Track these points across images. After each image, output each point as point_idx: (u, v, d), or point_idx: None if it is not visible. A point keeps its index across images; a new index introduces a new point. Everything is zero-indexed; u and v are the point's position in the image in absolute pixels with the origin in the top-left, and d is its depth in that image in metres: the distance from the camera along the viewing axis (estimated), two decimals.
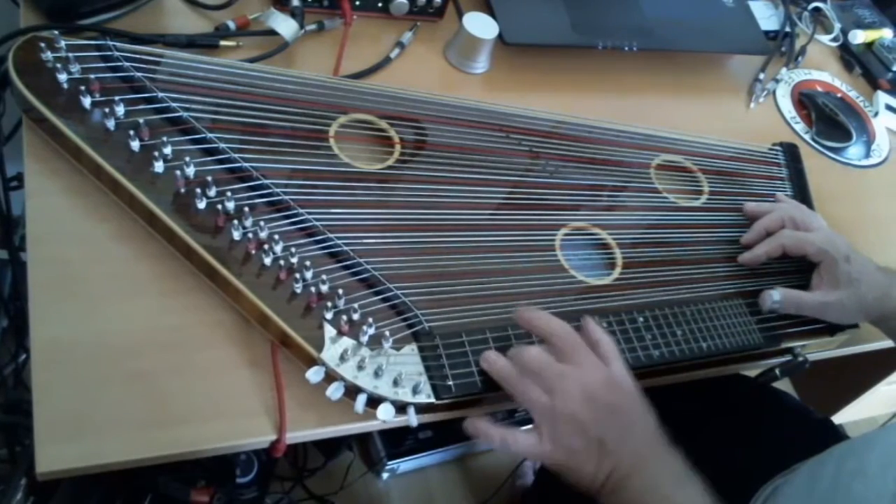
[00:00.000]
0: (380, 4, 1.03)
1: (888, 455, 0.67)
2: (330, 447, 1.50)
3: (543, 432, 0.68)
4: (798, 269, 0.95)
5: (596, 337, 0.73)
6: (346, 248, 0.75)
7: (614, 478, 0.68)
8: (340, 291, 0.71)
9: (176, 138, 0.76)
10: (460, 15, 1.05)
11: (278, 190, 0.76)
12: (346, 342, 0.69)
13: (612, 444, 0.68)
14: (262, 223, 0.72)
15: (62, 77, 0.74)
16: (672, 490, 0.68)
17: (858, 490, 0.66)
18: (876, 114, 1.33)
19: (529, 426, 0.69)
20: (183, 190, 0.72)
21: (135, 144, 0.73)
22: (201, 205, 0.72)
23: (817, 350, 0.96)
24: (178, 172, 0.72)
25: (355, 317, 0.70)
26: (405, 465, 1.58)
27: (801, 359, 0.93)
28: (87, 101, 0.74)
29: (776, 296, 0.89)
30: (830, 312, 0.90)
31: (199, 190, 0.72)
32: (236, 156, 0.76)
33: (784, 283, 0.92)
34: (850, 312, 0.90)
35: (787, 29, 1.36)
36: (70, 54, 0.75)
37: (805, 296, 0.90)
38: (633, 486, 0.68)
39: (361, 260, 0.75)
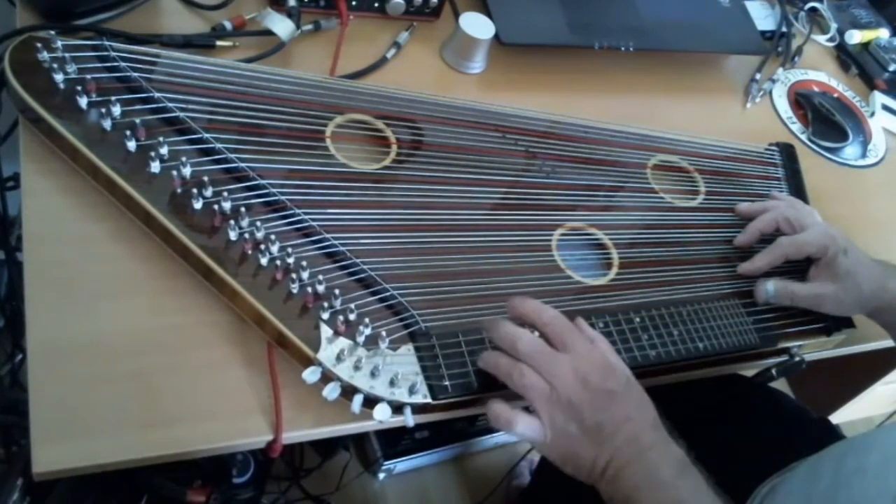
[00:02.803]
0: (376, 4, 1.03)
1: (888, 454, 0.67)
2: (326, 447, 1.50)
3: (542, 419, 0.68)
4: (794, 267, 0.95)
5: (587, 332, 0.73)
6: (342, 248, 0.75)
7: (613, 465, 0.68)
8: (337, 291, 0.71)
9: (172, 138, 0.76)
10: (457, 15, 1.05)
11: (275, 190, 0.76)
12: (343, 342, 0.69)
13: (609, 429, 0.68)
14: (258, 223, 0.72)
15: (58, 77, 0.74)
16: (672, 478, 0.68)
17: (859, 489, 0.66)
18: (872, 114, 1.33)
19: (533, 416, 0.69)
20: (179, 190, 0.72)
21: (131, 144, 0.73)
22: (198, 205, 0.72)
23: (814, 350, 0.96)
24: (174, 172, 0.72)
25: (352, 317, 0.70)
26: (402, 465, 1.58)
27: (797, 359, 0.94)
28: (83, 102, 0.74)
29: (771, 289, 0.89)
30: (826, 304, 0.90)
31: (195, 190, 0.72)
32: (233, 156, 0.76)
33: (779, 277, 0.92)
34: (846, 305, 0.90)
35: (784, 29, 1.36)
36: (66, 54, 0.75)
37: (799, 287, 0.90)
38: (632, 474, 0.68)
39: (358, 260, 0.75)
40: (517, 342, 0.69)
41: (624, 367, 0.71)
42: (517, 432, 0.69)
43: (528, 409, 0.69)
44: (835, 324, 0.94)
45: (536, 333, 0.71)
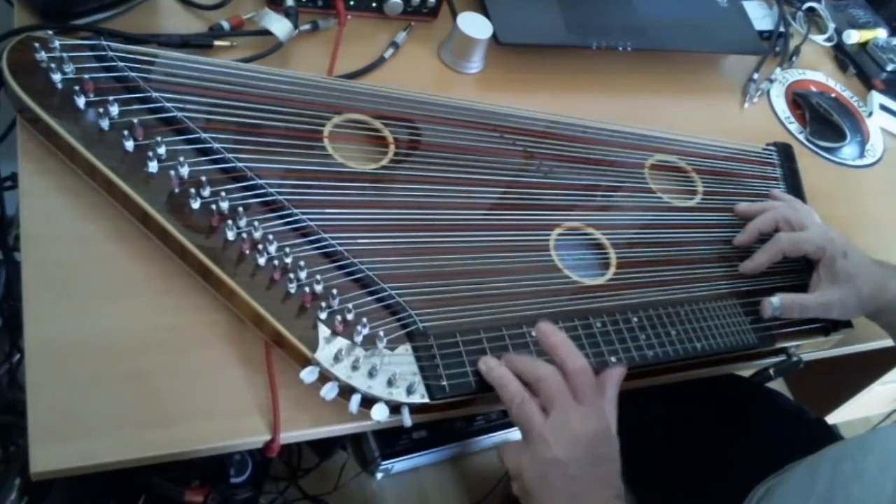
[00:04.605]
0: (374, 4, 1.04)
1: (886, 458, 0.67)
2: (324, 447, 1.50)
3: (528, 450, 0.67)
4: (791, 268, 0.95)
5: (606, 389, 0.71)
6: (340, 248, 0.75)
7: None
8: (335, 291, 0.71)
9: (170, 138, 0.76)
10: (454, 15, 1.05)
11: (272, 190, 0.76)
12: (341, 342, 0.69)
13: (585, 491, 0.66)
14: (256, 223, 0.72)
15: (56, 77, 0.74)
16: None
17: (856, 493, 0.66)
18: (870, 114, 1.33)
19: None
20: (177, 190, 0.72)
21: (129, 144, 0.73)
22: (195, 205, 0.72)
23: (811, 350, 0.96)
24: (172, 172, 0.72)
25: (349, 317, 0.70)
26: (399, 465, 1.58)
27: (795, 359, 0.94)
28: (81, 101, 0.74)
29: (776, 302, 0.89)
30: (833, 311, 0.90)
31: (193, 190, 0.72)
32: (230, 156, 0.76)
33: (779, 282, 0.93)
34: (849, 308, 0.90)
35: (782, 29, 1.36)
36: (64, 54, 0.75)
37: (807, 298, 0.90)
38: None
39: (356, 260, 0.75)
40: (545, 376, 0.68)
41: (616, 442, 0.70)
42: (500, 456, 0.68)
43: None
44: (832, 324, 0.94)
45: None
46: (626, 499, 0.69)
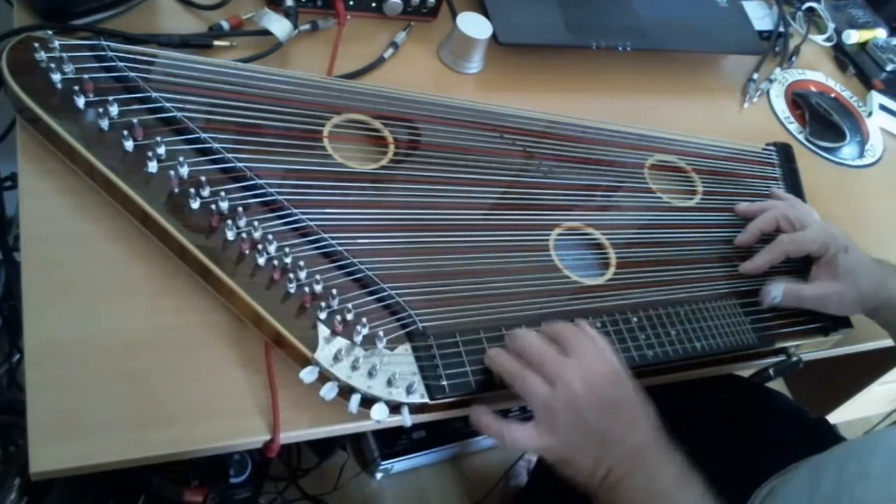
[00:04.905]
0: (373, 4, 1.04)
1: (891, 458, 0.67)
2: (324, 447, 1.50)
3: (544, 424, 0.68)
4: (792, 268, 0.95)
5: (591, 334, 0.73)
6: (339, 248, 0.75)
7: (613, 475, 0.68)
8: (334, 291, 0.71)
9: (170, 138, 0.76)
10: (454, 15, 1.05)
11: (272, 190, 0.76)
12: (340, 342, 0.69)
13: (612, 439, 0.68)
14: (255, 223, 0.72)
15: (56, 77, 0.74)
16: (671, 489, 0.68)
17: (862, 494, 0.66)
18: (870, 114, 1.33)
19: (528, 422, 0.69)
20: (177, 190, 0.72)
21: (129, 144, 0.73)
22: (195, 205, 0.72)
23: (811, 350, 0.96)
24: (171, 172, 0.72)
25: (349, 317, 0.70)
26: (399, 465, 1.58)
27: (794, 359, 0.94)
28: (80, 101, 0.73)
29: (778, 292, 0.89)
30: (830, 305, 0.90)
31: (192, 190, 0.72)
32: (230, 156, 0.76)
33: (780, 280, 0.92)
34: (847, 304, 0.90)
35: (781, 29, 1.36)
36: (64, 54, 0.75)
37: (805, 289, 0.90)
38: (631, 485, 0.68)
39: (355, 260, 0.75)
40: (526, 344, 0.70)
41: (628, 376, 0.71)
42: (508, 442, 0.69)
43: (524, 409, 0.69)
44: (832, 323, 0.94)
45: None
46: None
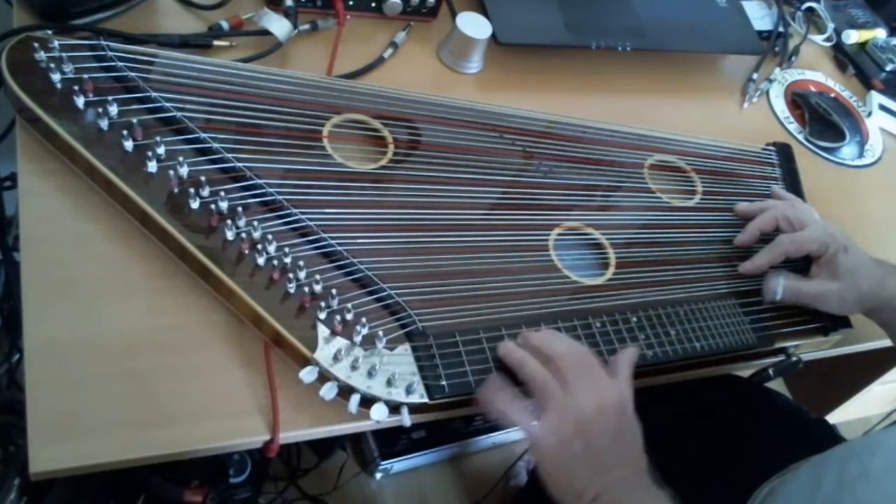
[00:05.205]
0: (373, 4, 1.04)
1: (892, 459, 0.67)
2: (323, 447, 1.50)
3: (549, 421, 0.68)
4: (792, 267, 0.95)
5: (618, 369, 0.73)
6: (339, 247, 0.75)
7: (601, 500, 0.66)
8: (334, 291, 0.71)
9: (169, 138, 0.76)
10: (454, 15, 1.05)
11: (272, 190, 0.76)
12: (340, 342, 0.69)
13: (609, 462, 0.67)
14: (255, 223, 0.72)
15: (55, 77, 0.74)
16: None
17: (863, 494, 0.66)
18: (869, 114, 1.33)
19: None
20: (176, 190, 0.72)
21: (128, 144, 0.73)
22: (195, 205, 0.72)
23: (811, 350, 0.96)
24: (171, 172, 0.72)
25: (349, 317, 0.70)
26: (398, 465, 1.58)
27: (794, 359, 0.94)
28: (80, 101, 0.73)
29: (779, 288, 0.89)
30: (829, 303, 0.90)
31: (192, 190, 0.72)
32: (230, 156, 0.76)
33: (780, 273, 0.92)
34: (847, 303, 0.90)
35: (781, 29, 1.36)
36: (63, 54, 0.75)
37: (804, 284, 0.90)
38: None
39: (355, 260, 0.75)
40: (560, 347, 0.71)
41: (635, 418, 0.71)
42: (512, 423, 0.69)
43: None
44: (832, 323, 0.94)
45: None
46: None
